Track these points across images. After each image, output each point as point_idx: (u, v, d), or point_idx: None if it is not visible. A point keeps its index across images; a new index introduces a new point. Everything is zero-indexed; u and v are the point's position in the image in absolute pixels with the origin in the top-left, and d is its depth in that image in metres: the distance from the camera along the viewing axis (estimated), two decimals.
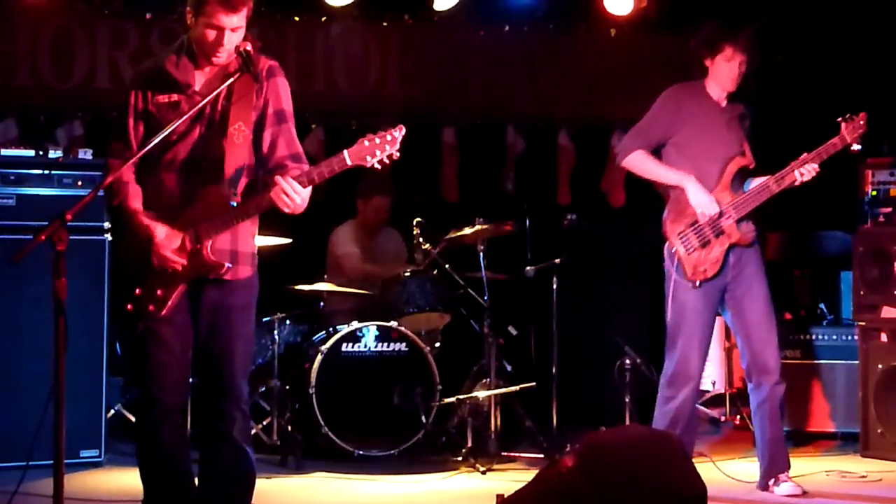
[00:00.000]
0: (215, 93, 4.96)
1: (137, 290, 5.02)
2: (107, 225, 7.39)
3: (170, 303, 5.02)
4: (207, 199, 5.05)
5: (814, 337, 8.93)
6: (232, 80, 4.97)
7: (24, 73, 9.41)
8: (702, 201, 6.78)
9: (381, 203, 9.24)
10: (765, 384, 6.88)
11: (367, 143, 4.99)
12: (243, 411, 5.19)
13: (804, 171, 6.74)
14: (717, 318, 7.18)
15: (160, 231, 4.97)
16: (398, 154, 5.03)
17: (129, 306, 5.04)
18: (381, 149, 4.99)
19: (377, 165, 5.03)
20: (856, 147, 6.78)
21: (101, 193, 4.91)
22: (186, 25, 5.13)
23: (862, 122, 6.75)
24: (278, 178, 4.96)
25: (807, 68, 10.26)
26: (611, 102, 10.54)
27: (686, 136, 6.92)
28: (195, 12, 5.02)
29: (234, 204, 5.02)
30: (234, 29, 4.98)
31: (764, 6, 9.95)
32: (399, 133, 5.05)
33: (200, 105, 4.95)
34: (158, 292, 5.01)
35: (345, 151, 4.98)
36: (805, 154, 6.78)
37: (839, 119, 6.78)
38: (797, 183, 6.79)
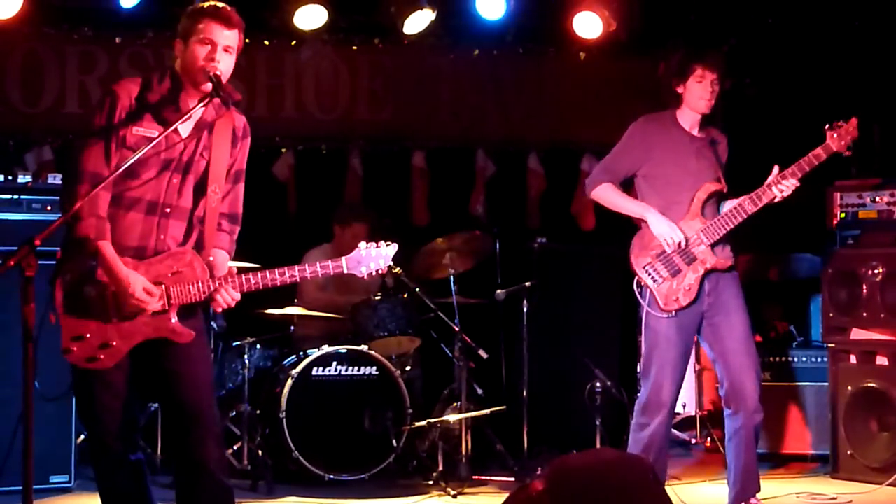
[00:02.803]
0: (185, 117, 4.94)
1: (87, 333, 4.93)
2: None
3: (122, 356, 4.98)
4: (182, 260, 5.03)
5: (784, 359, 8.96)
6: (203, 104, 4.95)
7: None
8: (663, 231, 6.74)
9: (359, 230, 9.23)
10: (742, 412, 6.78)
11: (363, 252, 5.21)
12: (219, 440, 5.17)
13: (783, 186, 6.64)
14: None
15: (137, 282, 4.91)
16: (385, 270, 5.29)
17: (73, 348, 4.93)
18: (375, 262, 5.22)
19: (366, 276, 5.26)
20: (847, 154, 6.69)
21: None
22: (173, 57, 5.08)
23: (852, 128, 6.65)
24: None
25: (774, 91, 10.31)
26: (580, 126, 10.57)
27: (653, 167, 6.90)
28: (186, 35, 5.00)
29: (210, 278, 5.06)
30: (226, 48, 4.99)
31: (732, 30, 10.03)
32: (393, 250, 5.26)
33: (165, 132, 4.91)
34: (114, 343, 4.95)
35: (342, 258, 5.19)
36: (776, 168, 6.72)
37: (825, 127, 6.68)
38: (777, 199, 6.68)
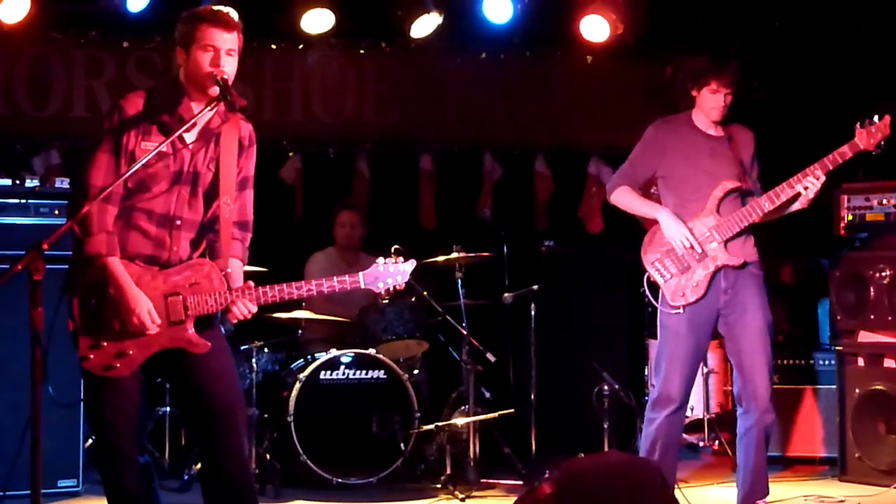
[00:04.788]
0: (190, 122, 4.93)
1: (103, 342, 4.96)
2: None
3: (137, 365, 5.00)
4: (200, 271, 5.05)
5: (792, 362, 8.95)
6: (210, 108, 4.95)
7: (0, 103, 9.38)
8: (673, 232, 6.78)
9: (346, 218, 9.28)
10: (753, 411, 6.79)
11: (380, 268, 5.18)
12: (246, 431, 5.23)
13: (808, 182, 6.64)
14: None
15: (142, 303, 4.93)
16: (403, 286, 5.28)
17: (90, 356, 4.96)
18: (393, 278, 5.19)
19: (384, 292, 5.25)
20: (876, 152, 6.68)
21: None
22: (176, 68, 5.09)
23: (884, 126, 6.65)
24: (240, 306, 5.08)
25: (782, 94, 10.30)
26: (588, 129, 10.57)
27: (669, 168, 6.94)
28: (187, 43, 5.00)
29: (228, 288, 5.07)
30: (228, 51, 4.98)
31: (739, 33, 10.01)
32: (411, 266, 5.24)
33: (169, 140, 4.89)
34: (130, 352, 4.97)
35: (360, 274, 5.16)
36: (797, 170, 6.74)
37: (857, 124, 6.68)
38: (802, 197, 6.67)
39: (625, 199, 7.04)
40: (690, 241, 6.74)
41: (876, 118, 6.68)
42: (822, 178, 6.67)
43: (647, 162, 7.03)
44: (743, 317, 6.84)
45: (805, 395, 8.92)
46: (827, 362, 8.81)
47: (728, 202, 6.86)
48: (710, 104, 6.88)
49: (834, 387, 8.52)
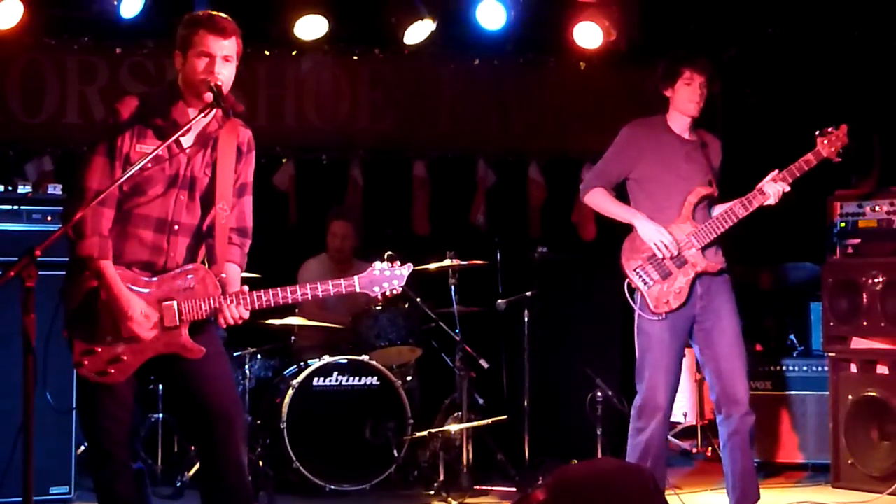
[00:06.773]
0: (184, 128, 4.93)
1: (97, 348, 4.95)
2: None
3: (133, 370, 4.99)
4: (195, 277, 5.04)
5: (784, 368, 8.96)
6: (203, 114, 4.94)
7: None
8: (652, 235, 6.77)
9: (338, 229, 9.27)
10: (734, 415, 6.79)
11: (377, 272, 5.15)
12: (245, 437, 5.22)
13: (773, 190, 6.65)
14: (688, 349, 7.17)
15: (136, 306, 4.93)
16: (399, 290, 5.20)
17: (84, 362, 4.94)
18: (389, 282, 5.15)
19: (380, 296, 5.18)
20: (837, 160, 6.72)
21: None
22: (175, 70, 5.09)
23: (842, 135, 6.69)
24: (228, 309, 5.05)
25: (774, 100, 10.32)
26: (581, 135, 10.56)
27: (643, 171, 6.92)
28: (185, 47, 5.00)
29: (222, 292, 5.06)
30: (225, 57, 4.98)
31: (732, 40, 10.03)
32: (407, 271, 5.19)
33: (164, 144, 4.89)
34: (124, 357, 4.96)
35: (355, 277, 5.12)
36: (774, 172, 6.74)
37: (816, 133, 6.72)
38: (771, 202, 6.70)
39: (599, 201, 7.03)
40: (670, 246, 6.74)
41: (832, 128, 6.72)
42: (787, 187, 6.70)
43: (622, 163, 7.00)
44: (719, 323, 6.84)
45: (797, 401, 8.92)
46: (819, 368, 8.81)
47: (700, 209, 6.87)
48: (686, 98, 6.86)
49: (826, 393, 8.53)
